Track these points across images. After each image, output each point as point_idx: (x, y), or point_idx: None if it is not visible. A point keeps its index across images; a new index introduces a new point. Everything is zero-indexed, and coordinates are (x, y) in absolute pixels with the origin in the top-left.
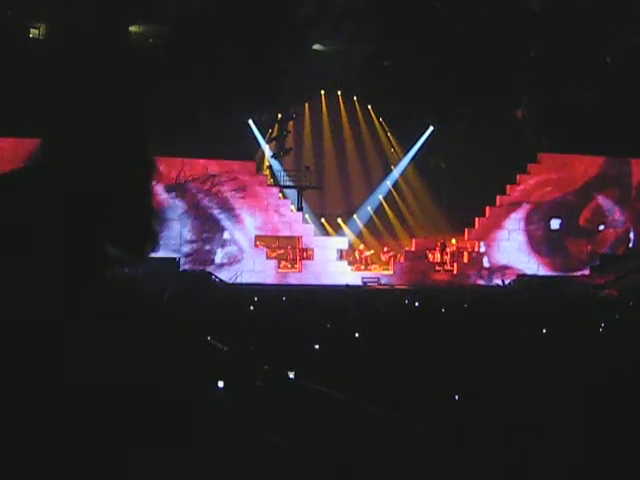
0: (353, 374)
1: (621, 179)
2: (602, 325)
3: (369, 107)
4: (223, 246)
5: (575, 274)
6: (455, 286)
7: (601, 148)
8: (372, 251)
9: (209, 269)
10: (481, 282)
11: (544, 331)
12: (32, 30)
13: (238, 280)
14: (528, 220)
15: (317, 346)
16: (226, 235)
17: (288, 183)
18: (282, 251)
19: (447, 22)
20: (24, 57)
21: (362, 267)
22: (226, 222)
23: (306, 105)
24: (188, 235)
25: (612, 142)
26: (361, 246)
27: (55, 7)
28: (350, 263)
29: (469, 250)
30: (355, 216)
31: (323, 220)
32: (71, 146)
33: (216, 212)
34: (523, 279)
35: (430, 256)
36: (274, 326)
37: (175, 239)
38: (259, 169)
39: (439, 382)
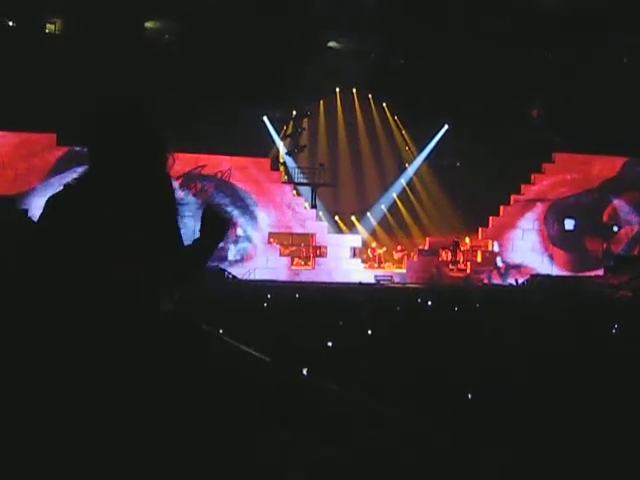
0: (365, 371)
1: (638, 181)
2: (615, 326)
3: (384, 105)
4: (236, 243)
5: (589, 274)
6: (468, 285)
7: (618, 149)
8: (385, 249)
9: (222, 266)
10: (495, 281)
11: (556, 332)
12: (48, 25)
13: (251, 277)
14: (542, 220)
15: (330, 343)
16: (239, 232)
17: (302, 180)
18: (295, 248)
19: (462, 21)
20: (40, 52)
21: (375, 265)
22: (240, 219)
23: (321, 102)
24: None
25: (630, 143)
26: (374, 244)
27: (71, 2)
28: (363, 261)
29: (483, 249)
30: (369, 214)
31: (337, 218)
32: (104, 151)
33: (230, 208)
34: (536, 279)
35: (443, 255)
36: (287, 323)
37: (188, 235)
38: (273, 166)
39: (452, 381)
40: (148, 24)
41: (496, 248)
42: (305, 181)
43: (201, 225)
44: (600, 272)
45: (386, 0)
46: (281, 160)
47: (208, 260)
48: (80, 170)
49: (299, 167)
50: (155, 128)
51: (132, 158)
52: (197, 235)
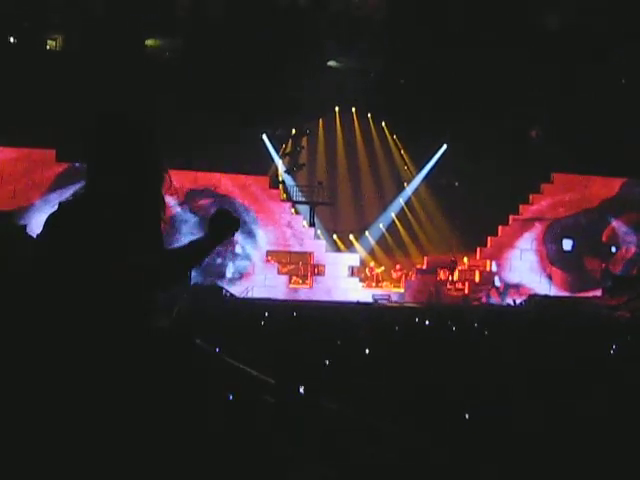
0: (362, 389)
1: (636, 201)
2: (613, 347)
3: (383, 124)
4: (234, 260)
5: (587, 295)
6: (467, 305)
7: (617, 169)
8: (383, 268)
9: (220, 283)
10: (493, 301)
11: (554, 352)
12: (49, 42)
13: (249, 295)
14: (541, 240)
15: (327, 361)
16: (238, 249)
17: (301, 199)
18: (293, 266)
19: (462, 40)
20: (41, 68)
21: (373, 284)
22: (238, 236)
23: (320, 121)
24: None
25: (628, 163)
26: (372, 263)
27: (72, 19)
28: (361, 280)
29: (481, 269)
30: (367, 233)
31: (335, 236)
32: (103, 167)
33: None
34: (534, 299)
35: (442, 274)
36: (284, 341)
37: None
38: (272, 184)
39: (450, 400)
40: (148, 41)
41: (494, 268)
42: (304, 199)
43: (209, 223)
44: (598, 293)
45: (385, 20)
46: (280, 178)
47: (204, 259)
48: (77, 186)
49: (298, 185)
50: (155, 145)
51: (131, 174)
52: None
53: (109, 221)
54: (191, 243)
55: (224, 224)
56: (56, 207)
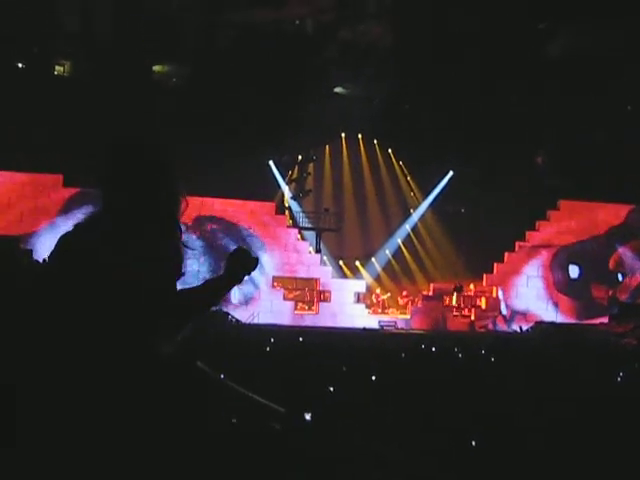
0: (368, 416)
1: None
2: (620, 374)
3: (389, 151)
4: (240, 286)
5: (594, 322)
6: (472, 332)
7: (623, 196)
8: (389, 294)
9: (226, 309)
10: (499, 328)
11: (561, 379)
12: (57, 67)
13: (254, 321)
14: (547, 266)
15: (332, 388)
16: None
17: (307, 225)
18: (299, 292)
19: (468, 68)
20: (48, 94)
21: (379, 310)
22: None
23: (327, 147)
24: (205, 274)
25: (635, 190)
26: (378, 290)
27: (80, 45)
28: (367, 306)
29: (487, 295)
30: (373, 259)
31: (341, 262)
32: (119, 191)
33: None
34: (541, 326)
35: (448, 301)
36: (290, 367)
37: (192, 278)
38: (279, 210)
39: (456, 427)
40: (156, 67)
41: (500, 294)
42: (310, 226)
43: (227, 262)
44: (605, 320)
45: (391, 47)
46: (286, 204)
47: (222, 298)
48: (91, 210)
49: (304, 212)
50: (172, 170)
51: (148, 199)
52: (201, 276)
53: (125, 265)
54: (207, 282)
55: (242, 263)
56: (71, 228)
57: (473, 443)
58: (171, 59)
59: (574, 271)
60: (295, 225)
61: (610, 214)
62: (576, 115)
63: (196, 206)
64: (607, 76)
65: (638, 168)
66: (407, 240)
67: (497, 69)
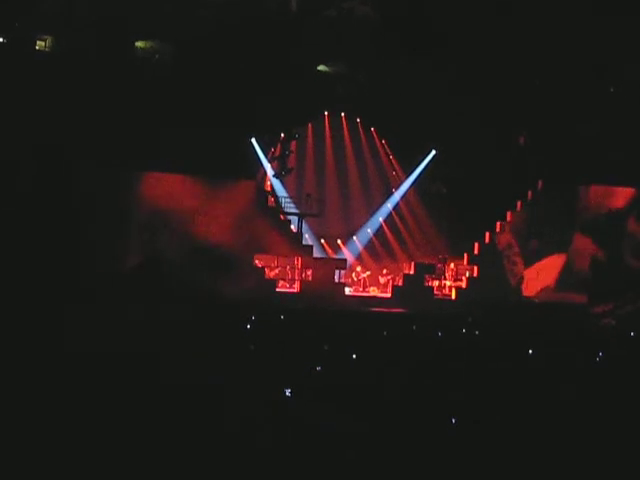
0: (348, 394)
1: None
2: (599, 354)
3: (372, 129)
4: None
5: (573, 299)
6: (454, 310)
7: (603, 177)
8: (369, 272)
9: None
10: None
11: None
12: (39, 42)
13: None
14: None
15: (315, 366)
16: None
17: (290, 210)
18: (279, 270)
19: (450, 47)
20: (30, 69)
21: (360, 289)
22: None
23: (309, 126)
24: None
25: (613, 171)
26: (359, 268)
27: (62, 21)
28: (348, 285)
29: (468, 274)
30: (355, 238)
31: (322, 241)
32: None
33: (215, 230)
34: (521, 304)
35: (428, 280)
36: (271, 344)
37: None
38: (260, 188)
39: (437, 405)
40: (139, 43)
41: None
42: (292, 211)
43: None
44: (584, 299)
45: (375, 25)
46: (268, 182)
47: None
48: None
49: (286, 197)
50: None
51: None
52: None
53: None
54: None
55: None
56: None
57: (454, 420)
58: (154, 36)
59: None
60: (277, 203)
61: (589, 194)
62: (559, 96)
63: (178, 184)
64: (592, 58)
65: (619, 150)
66: (389, 219)
67: (481, 49)
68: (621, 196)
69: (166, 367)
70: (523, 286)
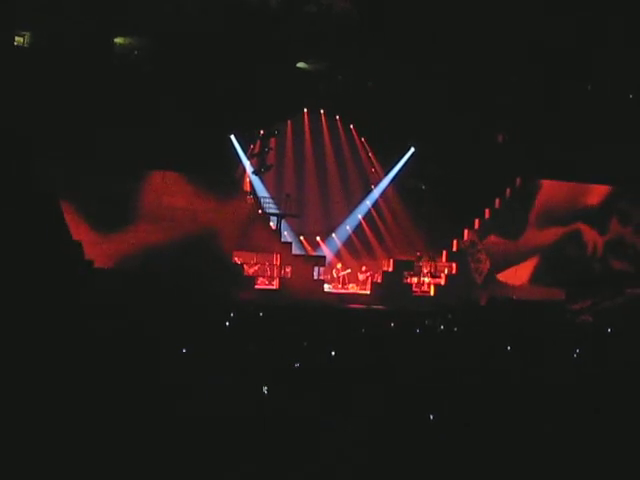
0: (327, 390)
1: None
2: (577, 351)
3: (351, 127)
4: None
5: (551, 297)
6: (433, 307)
7: (581, 175)
8: (349, 270)
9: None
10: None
11: (518, 355)
12: (17, 38)
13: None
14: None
15: (293, 363)
16: (204, 250)
17: (270, 210)
18: (259, 267)
19: (430, 44)
20: (8, 65)
21: (339, 286)
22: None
23: (289, 123)
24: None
25: (592, 170)
26: (339, 265)
27: (40, 16)
28: (327, 282)
29: (446, 271)
30: (334, 235)
31: (302, 238)
32: None
33: (194, 226)
34: (496, 301)
35: (407, 276)
36: (251, 340)
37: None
38: (240, 185)
39: (415, 401)
40: (117, 39)
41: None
42: (272, 211)
43: None
44: (562, 296)
45: (354, 22)
46: (247, 179)
47: None
48: None
49: (265, 197)
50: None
51: None
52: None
53: None
54: None
55: None
56: None
57: (431, 417)
58: (133, 32)
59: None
60: (256, 200)
61: (566, 192)
62: (536, 93)
63: (157, 180)
64: (569, 56)
65: (596, 148)
66: (368, 216)
67: (460, 45)
68: (597, 193)
69: (145, 365)
70: (499, 282)
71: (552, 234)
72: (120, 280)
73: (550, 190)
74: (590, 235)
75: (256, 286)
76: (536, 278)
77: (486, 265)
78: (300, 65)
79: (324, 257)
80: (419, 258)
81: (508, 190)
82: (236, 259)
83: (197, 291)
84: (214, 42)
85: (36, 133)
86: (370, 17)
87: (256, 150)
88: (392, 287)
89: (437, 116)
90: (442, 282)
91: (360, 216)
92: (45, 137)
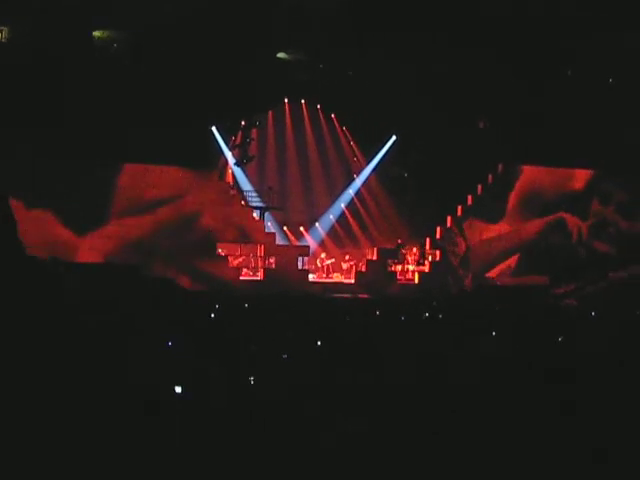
0: (314, 380)
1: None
2: (560, 337)
3: (332, 116)
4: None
5: (534, 282)
6: (417, 295)
7: (562, 160)
8: (333, 259)
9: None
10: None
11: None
12: None
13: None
14: None
15: (280, 354)
16: (189, 242)
17: (253, 203)
18: (244, 258)
19: (410, 32)
20: None
21: (324, 275)
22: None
23: (270, 113)
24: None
25: (574, 155)
26: (323, 254)
27: (18, 11)
28: (312, 271)
29: (431, 259)
30: (317, 224)
31: (285, 228)
32: None
33: (178, 219)
34: (482, 287)
35: (391, 264)
36: (236, 333)
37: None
38: (221, 176)
39: (404, 393)
40: (96, 33)
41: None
42: (255, 205)
43: None
44: (546, 281)
45: (335, 11)
46: (229, 170)
47: None
48: None
49: (249, 191)
50: None
51: None
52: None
53: None
54: None
55: None
56: None
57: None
58: (112, 25)
59: None
60: (239, 191)
61: (550, 177)
62: (518, 79)
63: (139, 174)
64: (550, 40)
65: (577, 133)
66: (351, 205)
67: (441, 34)
68: (581, 178)
69: (131, 359)
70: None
71: (535, 226)
72: (105, 275)
73: (532, 175)
74: (573, 222)
75: (241, 277)
76: (520, 269)
77: (461, 247)
78: (280, 55)
79: (308, 247)
80: (399, 246)
81: (490, 176)
82: (220, 251)
83: (181, 283)
84: (194, 34)
85: (14, 130)
86: (350, 6)
87: (238, 141)
88: (376, 275)
89: (418, 103)
90: (426, 269)
91: (343, 205)
92: (21, 134)
